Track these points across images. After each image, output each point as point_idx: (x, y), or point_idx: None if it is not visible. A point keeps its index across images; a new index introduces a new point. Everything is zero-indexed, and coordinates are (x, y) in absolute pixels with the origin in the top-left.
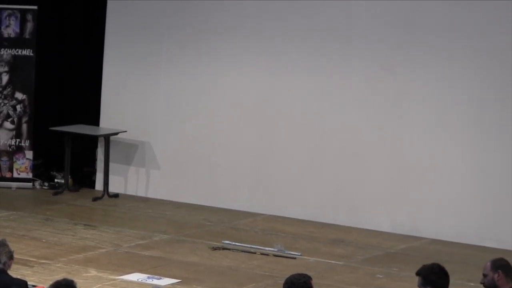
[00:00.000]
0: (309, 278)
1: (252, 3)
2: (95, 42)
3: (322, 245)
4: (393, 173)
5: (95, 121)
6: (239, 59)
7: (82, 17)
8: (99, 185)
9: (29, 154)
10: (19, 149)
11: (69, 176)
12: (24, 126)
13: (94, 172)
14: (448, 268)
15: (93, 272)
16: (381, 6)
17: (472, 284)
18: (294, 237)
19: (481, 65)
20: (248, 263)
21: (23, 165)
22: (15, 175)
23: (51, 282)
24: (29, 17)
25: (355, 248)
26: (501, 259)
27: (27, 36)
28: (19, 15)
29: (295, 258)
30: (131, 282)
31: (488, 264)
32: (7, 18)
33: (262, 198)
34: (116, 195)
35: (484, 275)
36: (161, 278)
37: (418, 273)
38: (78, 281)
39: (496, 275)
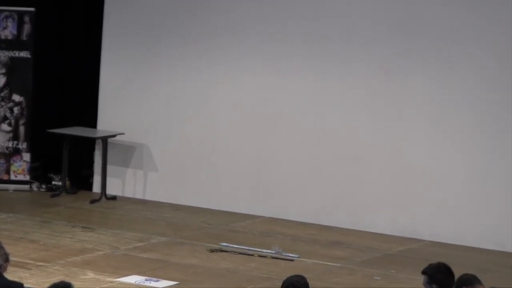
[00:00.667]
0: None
1: (251, 6)
2: (93, 44)
3: (320, 247)
4: (393, 176)
5: (93, 123)
6: (238, 61)
7: (79, 19)
8: (96, 188)
9: (27, 156)
10: (16, 151)
11: (67, 179)
12: (22, 128)
13: (91, 175)
14: None
15: (91, 275)
16: (381, 10)
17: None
18: (293, 239)
19: (480, 69)
20: (246, 265)
21: (20, 168)
22: (12, 177)
23: (48, 285)
24: (27, 19)
25: (354, 250)
26: (465, 274)
27: (24, 38)
28: (16, 17)
29: (293, 260)
30: (129, 284)
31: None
32: (5, 20)
33: (261, 200)
34: (114, 198)
35: None
36: (159, 280)
37: (424, 272)
38: (75, 283)
39: None
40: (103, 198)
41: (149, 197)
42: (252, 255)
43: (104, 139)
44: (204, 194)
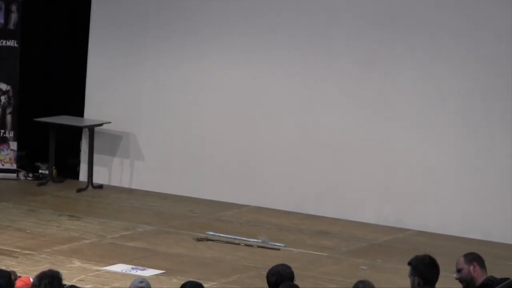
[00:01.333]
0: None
1: None
2: (80, 33)
3: (306, 236)
4: (378, 166)
5: (80, 112)
6: (223, 53)
7: (67, 8)
8: (83, 176)
9: (14, 145)
10: (3, 140)
11: (54, 167)
12: (9, 117)
13: (78, 163)
14: None
15: (77, 263)
16: (368, 3)
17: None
18: (279, 228)
19: (467, 61)
20: (232, 254)
21: (7, 156)
22: None
23: (35, 273)
24: (14, 8)
25: (340, 240)
26: (473, 253)
27: (11, 27)
28: (3, 6)
29: (279, 249)
30: (115, 273)
31: (461, 258)
32: None
33: (247, 189)
34: (100, 186)
35: (459, 270)
36: (145, 269)
37: (409, 263)
38: (62, 271)
39: (471, 267)
40: (90, 187)
41: (135, 186)
42: (239, 244)
43: (91, 128)
44: (190, 183)
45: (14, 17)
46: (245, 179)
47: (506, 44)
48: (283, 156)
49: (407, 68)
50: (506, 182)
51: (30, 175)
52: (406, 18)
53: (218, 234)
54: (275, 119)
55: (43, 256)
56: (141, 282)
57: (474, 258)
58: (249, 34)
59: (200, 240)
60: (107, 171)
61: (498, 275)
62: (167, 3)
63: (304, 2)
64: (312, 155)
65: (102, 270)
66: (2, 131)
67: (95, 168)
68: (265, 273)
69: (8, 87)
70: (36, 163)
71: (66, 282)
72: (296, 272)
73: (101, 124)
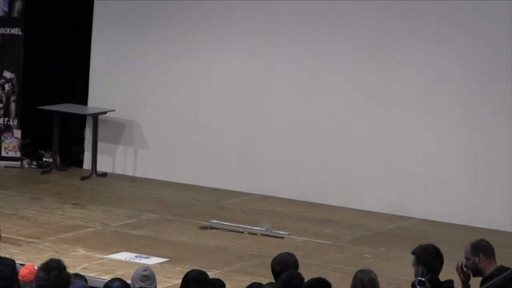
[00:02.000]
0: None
1: None
2: (84, 21)
3: (310, 225)
4: (382, 153)
5: (84, 100)
6: (226, 42)
7: None
8: (87, 164)
9: (18, 133)
10: (7, 128)
11: (57, 155)
12: (13, 105)
13: (82, 151)
14: None
15: (81, 251)
16: None
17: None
18: (282, 216)
19: (469, 50)
20: (236, 243)
21: (11, 144)
22: (3, 154)
23: (39, 261)
24: None
25: (343, 228)
26: (481, 241)
27: (15, 15)
28: None
29: (283, 237)
30: (119, 261)
31: (468, 248)
32: None
33: (250, 177)
34: (104, 174)
35: (466, 259)
36: (149, 257)
37: (413, 252)
38: (66, 260)
39: (477, 259)
40: (94, 175)
41: (139, 174)
42: (242, 232)
43: (95, 116)
44: (194, 171)
45: (18, 5)
46: (249, 167)
47: (508, 33)
48: (286, 144)
49: (410, 57)
50: (509, 171)
51: (34, 163)
52: (410, 8)
53: (221, 222)
54: (278, 108)
55: (47, 244)
56: (144, 270)
57: (480, 248)
58: (252, 23)
59: (203, 228)
60: (111, 159)
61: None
62: None
63: None
64: (315, 144)
65: (106, 258)
66: (6, 119)
67: (99, 156)
68: (269, 261)
69: (12, 75)
70: (40, 151)
71: (70, 270)
72: (299, 261)
73: (105, 112)
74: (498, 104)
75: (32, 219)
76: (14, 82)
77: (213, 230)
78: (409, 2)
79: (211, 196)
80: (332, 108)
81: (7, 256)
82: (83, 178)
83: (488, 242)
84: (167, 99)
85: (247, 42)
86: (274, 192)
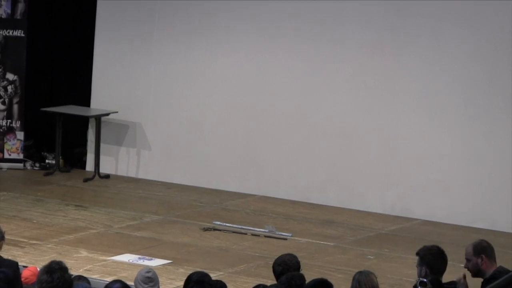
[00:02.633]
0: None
1: None
2: (86, 23)
3: (313, 226)
4: (384, 154)
5: (86, 102)
6: (229, 40)
7: None
8: (90, 166)
9: (20, 135)
10: (10, 130)
11: (60, 157)
12: (15, 107)
13: (85, 153)
14: None
15: (84, 253)
16: None
17: (462, 265)
18: (285, 218)
19: (471, 47)
20: (239, 244)
21: (14, 146)
22: (6, 155)
23: (42, 263)
24: None
25: (346, 229)
26: (482, 242)
27: (18, 17)
28: None
29: (286, 239)
30: (122, 262)
31: (470, 249)
32: None
33: (253, 179)
34: (107, 176)
35: (468, 260)
36: (152, 259)
37: (417, 253)
38: (69, 261)
39: (479, 260)
40: (96, 177)
41: (142, 175)
42: (245, 233)
43: (98, 118)
44: (196, 172)
45: (20, 7)
46: (251, 169)
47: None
48: (289, 145)
49: (413, 55)
50: None
51: (37, 164)
52: (412, 5)
53: (224, 223)
54: (280, 108)
55: (50, 246)
56: (147, 272)
57: (482, 249)
58: (255, 20)
59: (206, 230)
60: (114, 160)
61: (504, 265)
62: None
63: None
64: (318, 144)
65: (109, 260)
66: (9, 121)
67: (101, 158)
68: (272, 262)
69: (15, 77)
70: (42, 153)
71: (73, 272)
72: (302, 262)
73: (107, 114)
74: (505, 105)
75: (35, 221)
76: (17, 84)
77: (216, 232)
78: (412, 1)
79: (214, 197)
80: (335, 108)
81: (10, 258)
82: (86, 180)
83: (488, 243)
84: (170, 100)
85: (249, 42)
86: (277, 193)
